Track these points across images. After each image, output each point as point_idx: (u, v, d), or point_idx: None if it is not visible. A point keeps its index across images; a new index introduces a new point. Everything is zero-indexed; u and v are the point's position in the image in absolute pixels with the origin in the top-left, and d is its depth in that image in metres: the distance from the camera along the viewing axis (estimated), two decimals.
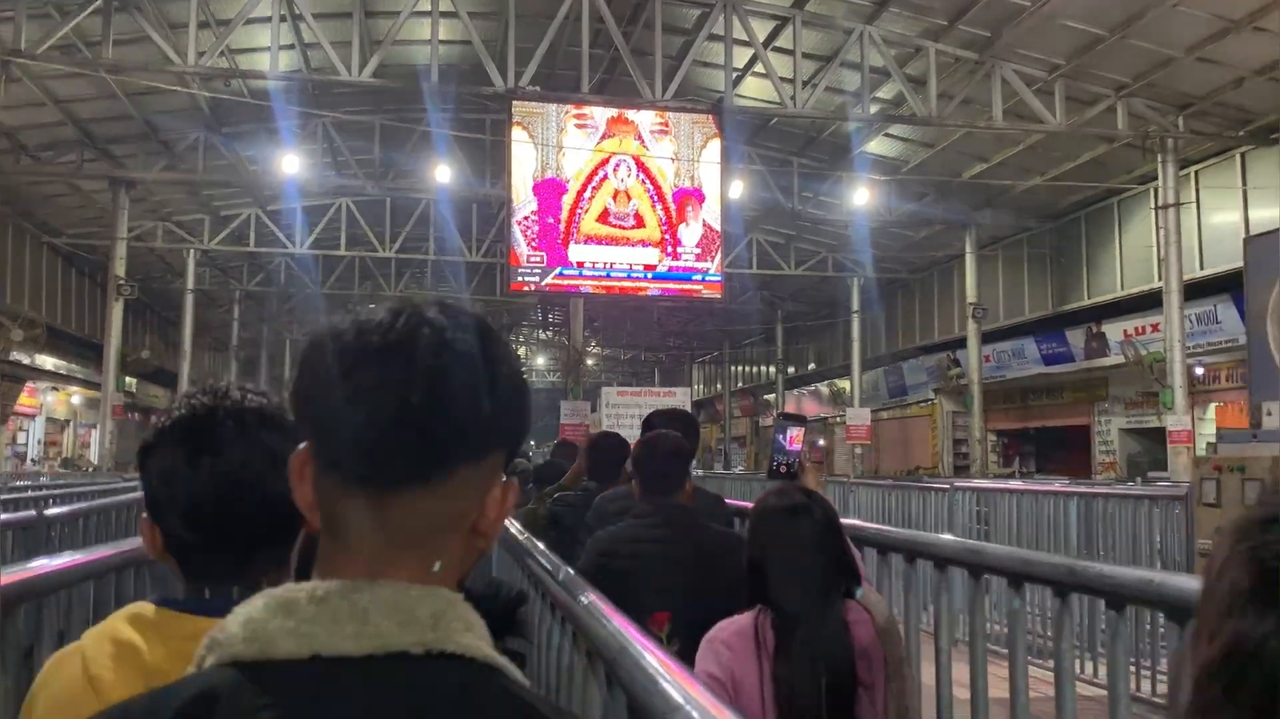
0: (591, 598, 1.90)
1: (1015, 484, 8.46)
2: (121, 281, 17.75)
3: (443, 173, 18.43)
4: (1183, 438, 14.08)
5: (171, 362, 25.32)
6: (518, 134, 13.16)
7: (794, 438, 3.18)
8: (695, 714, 1.13)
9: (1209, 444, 16.48)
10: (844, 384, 29.92)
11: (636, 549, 3.10)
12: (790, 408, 33.90)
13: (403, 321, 0.82)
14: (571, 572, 2.33)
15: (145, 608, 1.18)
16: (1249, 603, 0.62)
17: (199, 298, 26.26)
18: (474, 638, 0.80)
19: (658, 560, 3.04)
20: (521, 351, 44.66)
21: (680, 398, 12.19)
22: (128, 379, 27.67)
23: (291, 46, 15.11)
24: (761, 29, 14.44)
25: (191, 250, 22.91)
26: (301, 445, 0.84)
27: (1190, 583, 1.81)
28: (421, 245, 24.17)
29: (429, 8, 13.64)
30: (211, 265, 26.67)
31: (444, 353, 0.81)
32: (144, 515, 1.24)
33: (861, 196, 18.88)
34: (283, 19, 13.66)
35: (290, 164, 18.13)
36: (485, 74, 13.96)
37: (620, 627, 1.61)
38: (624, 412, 12.33)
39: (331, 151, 19.64)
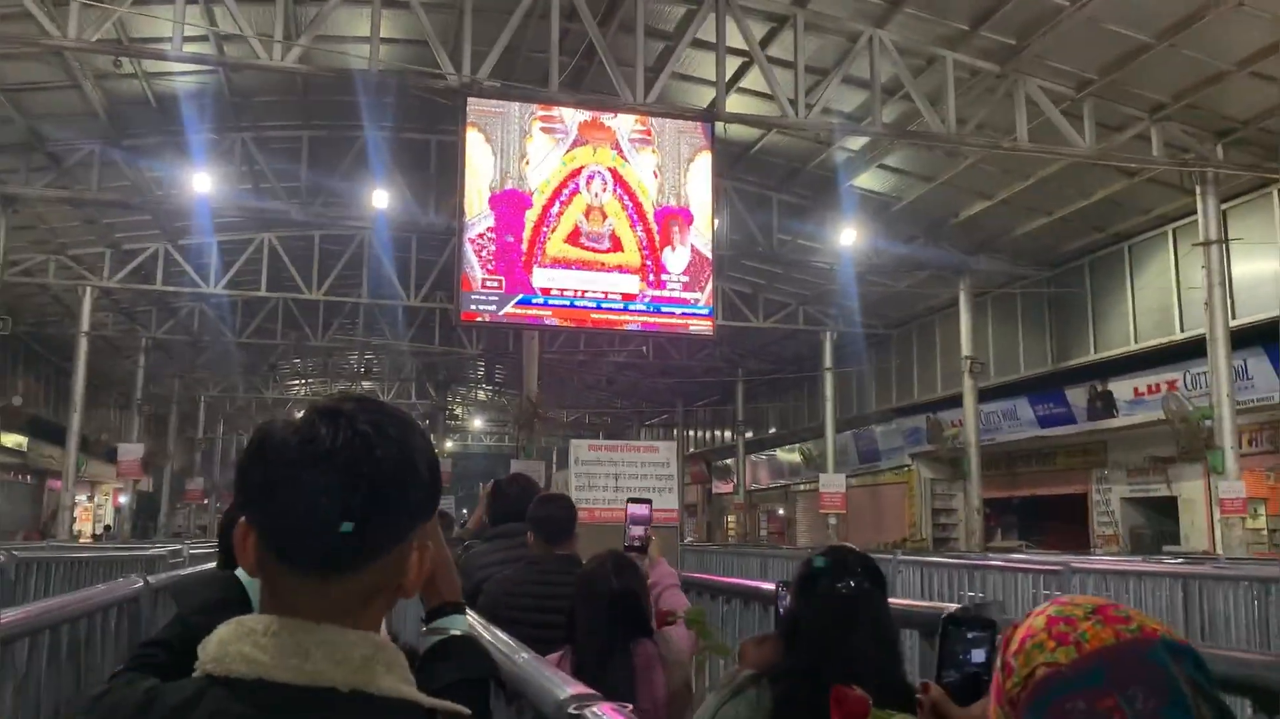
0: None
1: (1176, 566, 6.33)
2: None
3: (380, 198, 16.16)
4: (1237, 507, 12.17)
5: (62, 415, 22.32)
6: (473, 136, 10.98)
7: (641, 520, 3.86)
8: None
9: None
10: (809, 447, 27.91)
11: (532, 590, 3.54)
12: (729, 483, 31.68)
13: (341, 427, 0.96)
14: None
15: None
16: (798, 591, 2.17)
17: (102, 347, 23.39)
18: (394, 679, 0.95)
19: (552, 602, 3.36)
20: (459, 412, 42.00)
21: (664, 453, 9.92)
22: (17, 437, 24.66)
23: (204, 38, 12.76)
24: (756, 31, 12.54)
25: (88, 289, 20.09)
26: (242, 519, 0.99)
27: None
28: (354, 289, 21.70)
29: None
30: (115, 309, 23.84)
31: (380, 459, 0.95)
32: None
33: (848, 236, 16.97)
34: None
35: (202, 183, 15.67)
36: (431, 77, 11.81)
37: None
38: (597, 469, 9.91)
39: (253, 175, 17.13)
